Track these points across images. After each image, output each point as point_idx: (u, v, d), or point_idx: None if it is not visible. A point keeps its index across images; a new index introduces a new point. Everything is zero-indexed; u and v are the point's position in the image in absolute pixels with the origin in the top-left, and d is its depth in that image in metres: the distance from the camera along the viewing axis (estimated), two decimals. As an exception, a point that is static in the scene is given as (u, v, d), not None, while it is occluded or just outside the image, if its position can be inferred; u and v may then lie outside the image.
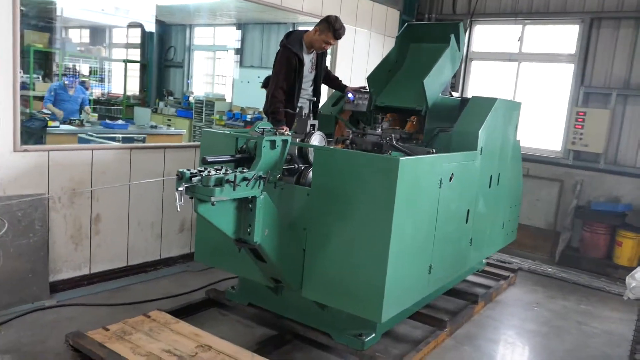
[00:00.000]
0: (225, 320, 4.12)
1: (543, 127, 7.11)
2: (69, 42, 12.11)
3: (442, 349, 3.94)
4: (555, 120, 6.95)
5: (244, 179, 2.78)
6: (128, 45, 13.27)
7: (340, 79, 5.03)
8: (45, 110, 7.76)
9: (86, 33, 13.76)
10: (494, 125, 4.43)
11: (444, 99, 4.76)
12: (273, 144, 3.14)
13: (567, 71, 6.82)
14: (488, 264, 5.84)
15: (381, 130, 4.22)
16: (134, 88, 12.97)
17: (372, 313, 3.18)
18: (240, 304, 4.12)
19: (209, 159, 3.09)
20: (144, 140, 6.77)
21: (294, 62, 4.30)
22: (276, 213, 3.14)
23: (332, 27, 4.28)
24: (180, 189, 2.61)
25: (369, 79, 4.75)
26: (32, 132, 7.44)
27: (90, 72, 13.41)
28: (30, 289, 4.05)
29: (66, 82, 8.16)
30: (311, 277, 3.42)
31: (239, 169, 2.88)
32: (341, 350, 3.60)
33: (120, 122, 8.32)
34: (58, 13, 11.90)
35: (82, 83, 8.77)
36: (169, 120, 10.99)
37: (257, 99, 8.42)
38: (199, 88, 12.19)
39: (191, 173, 2.68)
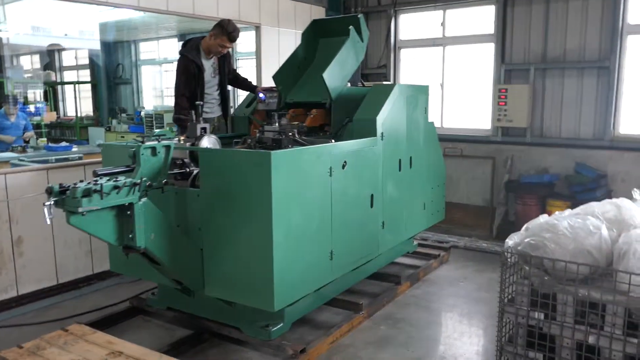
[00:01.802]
0: (147, 326, 4.22)
1: (473, 108, 7.29)
2: (15, 69, 12.11)
3: (357, 331, 4.07)
4: (484, 99, 7.13)
5: (115, 187, 2.89)
6: (77, 67, 13.30)
7: (249, 80, 5.14)
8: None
9: (35, 58, 13.76)
10: (395, 111, 4.58)
11: (351, 89, 4.91)
12: (154, 151, 3.25)
13: (490, 51, 7.00)
14: (422, 245, 6.00)
15: (278, 125, 4.33)
16: (87, 108, 13.00)
17: (265, 303, 3.31)
18: (160, 309, 4.22)
19: (99, 172, 3.19)
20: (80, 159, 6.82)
21: (191, 68, 4.42)
22: (161, 216, 3.25)
23: (225, 31, 4.40)
24: (47, 203, 2.71)
25: (274, 77, 4.87)
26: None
27: (46, 97, 13.44)
28: (-48, 316, 4.12)
29: (8, 108, 8.19)
30: (211, 276, 3.54)
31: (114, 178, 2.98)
32: (253, 342, 3.73)
33: (63, 144, 8.34)
34: (4, 41, 11.92)
35: (24, 109, 8.77)
36: (122, 137, 11.04)
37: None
38: (149, 102, 12.25)
39: (61, 187, 2.78)
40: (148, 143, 3.24)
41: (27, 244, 4.59)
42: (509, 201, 6.80)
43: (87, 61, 12.97)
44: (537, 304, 2.75)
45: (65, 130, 12.53)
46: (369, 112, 4.36)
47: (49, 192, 2.76)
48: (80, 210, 2.74)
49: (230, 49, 4.75)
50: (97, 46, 11.90)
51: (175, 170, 3.55)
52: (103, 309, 4.51)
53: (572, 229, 2.72)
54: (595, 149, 6.23)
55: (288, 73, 4.98)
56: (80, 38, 12.10)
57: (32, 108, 12.00)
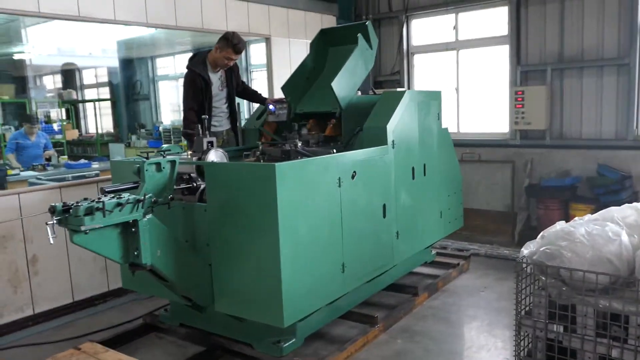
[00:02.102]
0: (160, 344, 4.18)
1: (490, 111, 7.14)
2: (38, 89, 12.38)
3: (373, 345, 3.96)
4: (501, 102, 6.98)
5: (118, 204, 2.86)
6: (98, 85, 13.53)
7: (259, 92, 5.11)
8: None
9: (57, 78, 14.05)
10: (407, 118, 4.48)
11: (361, 98, 4.83)
12: (158, 166, 3.23)
13: (504, 52, 6.86)
14: (441, 254, 5.86)
15: (298, 137, 4.29)
16: (108, 125, 13.20)
17: (274, 318, 3.23)
18: (173, 326, 4.18)
19: (107, 189, 3.18)
20: (97, 176, 6.90)
21: (198, 82, 4.40)
22: (167, 233, 3.21)
23: (230, 43, 4.38)
24: (50, 222, 2.70)
25: (283, 88, 4.83)
26: (-7, 182, 7.63)
27: (68, 115, 13.71)
28: (-30, 336, 4.15)
29: (28, 129, 8.34)
30: (220, 291, 3.48)
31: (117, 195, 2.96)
32: (264, 358, 3.65)
33: (82, 161, 8.47)
34: (27, 62, 12.21)
35: (48, 127, 8.87)
36: (141, 152, 11.14)
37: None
38: (167, 117, 12.37)
39: (64, 206, 2.77)
40: (152, 159, 3.21)
41: (42, 262, 4.61)
42: (530, 206, 6.62)
43: (106, 79, 13.18)
44: (556, 316, 2.62)
45: (86, 147, 12.73)
46: (379, 120, 4.27)
47: (52, 211, 2.75)
48: (82, 228, 2.72)
49: (236, 61, 4.72)
50: (115, 64, 12.09)
51: (182, 185, 3.52)
52: (117, 326, 4.49)
53: (589, 236, 2.59)
54: (618, 149, 6.02)
55: (297, 83, 4.93)
56: (102, 56, 12.37)
57: (55, 126, 12.28)
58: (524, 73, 6.62)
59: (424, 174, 4.77)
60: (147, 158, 3.23)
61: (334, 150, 3.86)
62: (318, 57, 5.15)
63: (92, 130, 13.98)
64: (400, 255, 4.45)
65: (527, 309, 2.79)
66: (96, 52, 12.20)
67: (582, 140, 6.30)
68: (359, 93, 5.01)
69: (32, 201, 4.51)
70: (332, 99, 4.56)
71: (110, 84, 13.04)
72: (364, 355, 3.83)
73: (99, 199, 2.84)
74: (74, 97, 13.29)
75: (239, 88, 4.93)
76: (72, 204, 2.76)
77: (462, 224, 5.66)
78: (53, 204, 2.76)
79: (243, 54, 10.19)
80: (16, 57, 11.61)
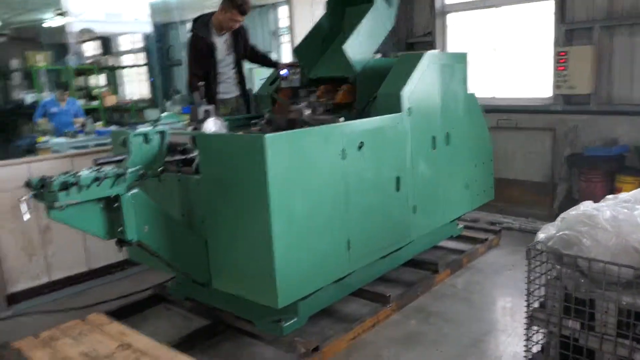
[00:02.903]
0: (167, 315, 4.11)
1: (531, 75, 6.58)
2: (75, 56, 12.48)
3: (383, 326, 3.74)
4: (543, 65, 6.40)
5: (96, 179, 2.70)
6: (134, 51, 13.54)
7: (270, 55, 4.82)
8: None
9: (92, 45, 14.14)
10: (426, 83, 4.11)
11: (379, 61, 4.48)
12: (146, 137, 3.04)
13: (548, 9, 6.24)
14: (471, 228, 5.52)
15: (307, 104, 4.00)
16: (144, 91, 13.24)
17: (269, 299, 3.05)
18: (180, 298, 4.09)
19: (100, 161, 3.05)
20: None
21: (201, 46, 4.15)
22: (156, 207, 3.05)
23: (235, 3, 4.10)
24: (24, 198, 2.57)
25: (295, 51, 4.54)
26: (24, 149, 7.78)
27: (108, 82, 13.85)
28: (-15, 302, 4.20)
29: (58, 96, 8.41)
30: (217, 268, 3.32)
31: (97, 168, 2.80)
32: (267, 337, 3.50)
33: (113, 128, 8.47)
34: (65, 29, 12.27)
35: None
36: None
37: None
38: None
39: (40, 180, 2.63)
40: (139, 130, 3.03)
41: (56, 231, 4.59)
42: (572, 177, 6.11)
43: (140, 44, 13.15)
44: (571, 310, 2.29)
45: (123, 113, 12.84)
46: (394, 86, 3.93)
47: (28, 185, 2.63)
48: (56, 205, 2.58)
49: (244, 23, 4.43)
50: (149, 29, 11.97)
51: (177, 157, 3.33)
52: (129, 296, 4.45)
53: (614, 221, 2.23)
54: (673, 115, 5.42)
55: (311, 46, 4.61)
56: (138, 22, 12.28)
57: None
58: (569, 32, 6.00)
59: (447, 144, 4.41)
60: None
61: (342, 119, 3.55)
62: (335, 17, 4.80)
63: (132, 96, 14.09)
64: (418, 230, 4.16)
65: (541, 300, 2.47)
66: (132, 18, 12.14)
67: (632, 106, 5.69)
68: (379, 56, 4.65)
69: (41, 170, 4.42)
70: (347, 62, 4.23)
71: (145, 49, 13.02)
72: (372, 336, 3.61)
73: (77, 173, 2.68)
74: (111, 63, 13.36)
75: (247, 52, 4.65)
76: (48, 178, 2.62)
77: (492, 197, 5.28)
78: (29, 178, 2.64)
79: (271, 16, 9.90)
80: (54, 23, 11.70)
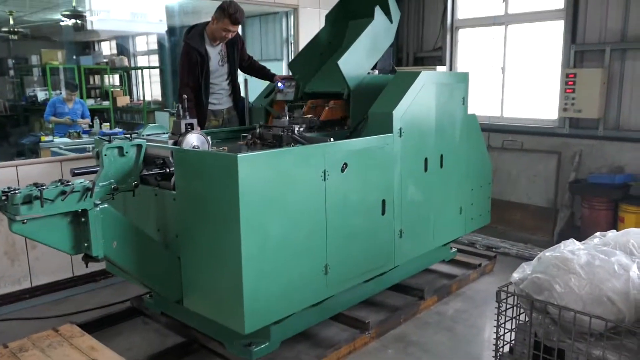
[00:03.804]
0: (143, 330, 4.02)
1: (538, 95, 6.41)
2: (90, 55, 12.57)
3: (360, 354, 3.61)
4: (551, 86, 6.24)
5: (62, 192, 2.63)
6: (148, 52, 13.61)
7: (267, 67, 4.75)
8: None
9: (107, 45, 14.25)
10: (421, 103, 3.99)
11: (375, 78, 4.38)
12: (121, 150, 2.97)
13: (559, 29, 6.08)
14: (465, 252, 5.37)
15: (288, 118, 3.91)
16: (156, 93, 13.28)
17: (236, 323, 2.94)
18: (156, 313, 4.01)
19: (76, 171, 2.98)
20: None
21: (194, 57, 4.09)
22: (125, 222, 2.97)
23: (226, 13, 4.02)
24: (-14, 209, 2.52)
25: (290, 65, 4.46)
26: (28, 147, 7.81)
27: (121, 83, 13.94)
28: (-36, 305, 4.17)
29: (64, 95, 8.44)
30: (189, 287, 3.23)
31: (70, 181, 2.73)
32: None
33: (116, 129, 8.49)
34: (79, 28, 12.36)
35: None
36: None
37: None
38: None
39: (3, 191, 2.58)
40: (114, 143, 2.96)
41: (41, 236, 4.55)
42: (574, 203, 5.93)
43: (154, 46, 13.21)
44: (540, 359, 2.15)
45: (134, 114, 12.88)
46: (385, 105, 3.82)
47: (-10, 197, 2.57)
48: (18, 218, 2.52)
49: (239, 34, 4.36)
50: (163, 30, 12.01)
51: (155, 171, 3.25)
52: (108, 306, 4.39)
53: (589, 267, 2.09)
54: (683, 146, 5.22)
55: (307, 60, 4.54)
56: (152, 23, 12.34)
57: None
58: (579, 53, 5.84)
59: (441, 166, 4.28)
60: (110, 141, 2.99)
61: (331, 139, 3.45)
62: (336, 30, 4.72)
63: (145, 97, 14.14)
64: (404, 255, 4.02)
65: (511, 345, 2.33)
66: (147, 19, 12.19)
67: (641, 133, 5.52)
68: (376, 72, 4.55)
69: (31, 174, 4.43)
70: (342, 79, 4.14)
71: (159, 51, 13.06)
72: (346, 364, 3.49)
73: (42, 186, 2.62)
74: (126, 64, 13.42)
75: (244, 63, 4.58)
76: (11, 190, 2.56)
77: (488, 221, 5.12)
78: (-7, 189, 2.58)
79: (283, 24, 9.83)
80: (69, 22, 11.79)
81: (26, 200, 2.54)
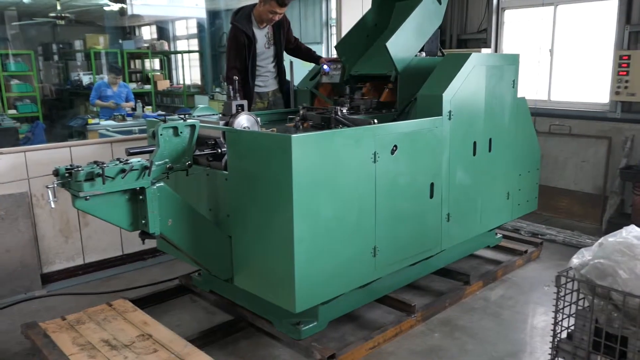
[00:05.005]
0: (191, 307, 4.13)
1: (589, 78, 6.21)
2: (132, 40, 12.79)
3: (406, 337, 3.62)
4: (602, 69, 6.03)
5: (122, 171, 2.71)
6: (188, 37, 13.76)
7: (313, 50, 4.73)
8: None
9: (148, 30, 14.45)
10: (470, 85, 3.93)
11: (422, 60, 4.31)
12: (176, 130, 3.03)
13: (612, 9, 5.86)
14: (511, 238, 5.29)
15: (350, 101, 3.90)
16: (195, 77, 13.44)
17: (287, 302, 2.99)
18: (204, 291, 4.11)
19: (131, 150, 3.07)
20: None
21: (241, 39, 4.11)
22: (181, 201, 3.04)
23: None
24: (50, 186, 2.61)
25: (337, 47, 4.43)
26: (75, 130, 8.04)
27: (161, 67, 14.18)
28: (22, 280, 4.34)
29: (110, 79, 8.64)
30: (240, 266, 3.30)
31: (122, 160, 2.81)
32: (286, 339, 3.45)
33: (159, 113, 8.64)
34: (122, 13, 12.59)
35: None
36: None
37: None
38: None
39: (67, 169, 2.67)
40: (169, 123, 3.02)
41: (93, 214, 4.70)
42: (625, 190, 5.75)
43: (194, 30, 13.35)
44: (601, 346, 2.12)
45: (174, 98, 13.10)
46: (435, 88, 3.76)
47: (56, 173, 2.66)
48: (81, 195, 2.60)
49: (286, 16, 4.35)
50: (203, 15, 12.12)
51: (207, 151, 3.31)
52: (158, 284, 4.51)
53: (657, 253, 2.03)
54: None
55: (354, 42, 4.51)
56: (192, 7, 12.48)
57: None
58: (634, 34, 5.62)
59: (489, 150, 4.21)
60: (164, 121, 3.04)
61: (375, 121, 3.43)
62: (383, 12, 4.66)
63: (185, 81, 14.35)
64: (451, 240, 4.00)
65: (570, 330, 2.30)
66: (187, 3, 12.33)
67: (699, 118, 5.29)
68: (423, 54, 4.49)
69: (83, 155, 4.56)
70: (389, 60, 4.10)
71: (198, 35, 13.20)
72: (393, 347, 3.50)
73: (102, 164, 2.70)
74: (166, 48, 13.62)
75: (290, 45, 4.58)
76: (74, 167, 2.64)
77: (535, 207, 5.02)
78: (57, 167, 2.67)
79: (323, 7, 9.79)
80: (114, 7, 12.01)
81: (88, 178, 2.62)
